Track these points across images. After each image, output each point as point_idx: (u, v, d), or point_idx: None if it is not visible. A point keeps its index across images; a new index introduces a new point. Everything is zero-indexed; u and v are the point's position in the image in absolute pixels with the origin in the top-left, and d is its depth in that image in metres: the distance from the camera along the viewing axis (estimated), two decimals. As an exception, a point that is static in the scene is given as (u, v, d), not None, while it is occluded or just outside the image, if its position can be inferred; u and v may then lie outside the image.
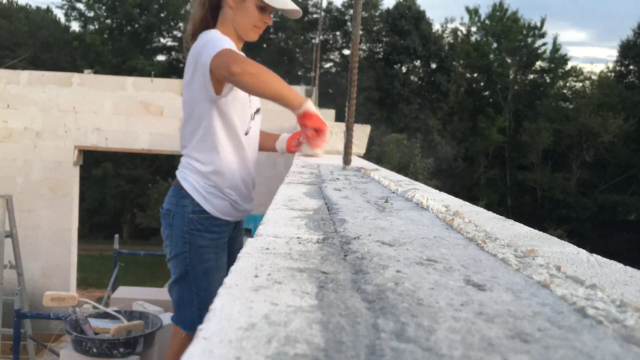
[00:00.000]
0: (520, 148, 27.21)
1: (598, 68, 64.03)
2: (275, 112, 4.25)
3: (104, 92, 6.87)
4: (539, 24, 30.40)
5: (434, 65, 27.95)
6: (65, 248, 6.81)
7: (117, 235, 5.69)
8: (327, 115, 6.60)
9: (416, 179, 2.43)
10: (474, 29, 31.31)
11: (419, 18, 27.44)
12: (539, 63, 30.32)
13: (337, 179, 1.80)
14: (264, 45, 27.64)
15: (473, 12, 31.23)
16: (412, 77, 28.09)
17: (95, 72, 8.88)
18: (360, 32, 2.44)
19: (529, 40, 30.32)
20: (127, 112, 6.88)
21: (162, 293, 4.42)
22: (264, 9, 2.06)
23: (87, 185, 20.49)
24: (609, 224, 25.25)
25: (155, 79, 7.06)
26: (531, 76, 30.47)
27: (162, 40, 29.03)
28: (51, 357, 4.53)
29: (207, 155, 2.06)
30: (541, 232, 0.96)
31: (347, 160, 2.09)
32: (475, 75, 30.24)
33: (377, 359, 0.37)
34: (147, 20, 27.28)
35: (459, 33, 31.02)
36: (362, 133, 4.34)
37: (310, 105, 1.90)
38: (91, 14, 28.26)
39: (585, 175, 26.40)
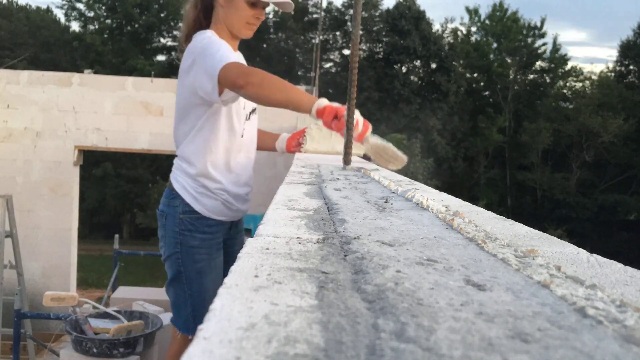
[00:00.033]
0: (520, 148, 27.20)
1: (598, 68, 64.12)
2: (276, 112, 4.25)
3: (104, 92, 6.87)
4: (539, 24, 30.43)
5: (434, 65, 27.95)
6: (65, 248, 6.81)
7: (117, 235, 5.69)
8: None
9: (416, 179, 2.42)
10: (474, 29, 31.34)
11: (419, 18, 27.44)
12: (539, 63, 30.32)
13: (337, 179, 1.80)
14: (264, 45, 27.65)
15: (473, 12, 31.24)
16: (412, 77, 28.09)
17: (95, 72, 8.89)
18: (360, 32, 2.44)
19: (529, 40, 30.32)
20: (127, 112, 6.88)
21: (162, 293, 4.40)
22: (255, 4, 2.03)
23: (87, 185, 20.49)
24: (609, 224, 25.27)
25: (155, 79, 7.06)
26: (531, 76, 30.47)
27: (162, 40, 29.06)
28: (51, 357, 4.53)
29: (197, 156, 2.05)
30: (541, 232, 0.96)
31: (347, 160, 2.09)
32: (475, 75, 30.25)
33: (377, 359, 0.37)
34: (147, 20, 27.30)
35: (459, 33, 31.03)
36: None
37: (322, 102, 1.84)
38: (91, 14, 28.28)
39: (585, 175, 26.40)
